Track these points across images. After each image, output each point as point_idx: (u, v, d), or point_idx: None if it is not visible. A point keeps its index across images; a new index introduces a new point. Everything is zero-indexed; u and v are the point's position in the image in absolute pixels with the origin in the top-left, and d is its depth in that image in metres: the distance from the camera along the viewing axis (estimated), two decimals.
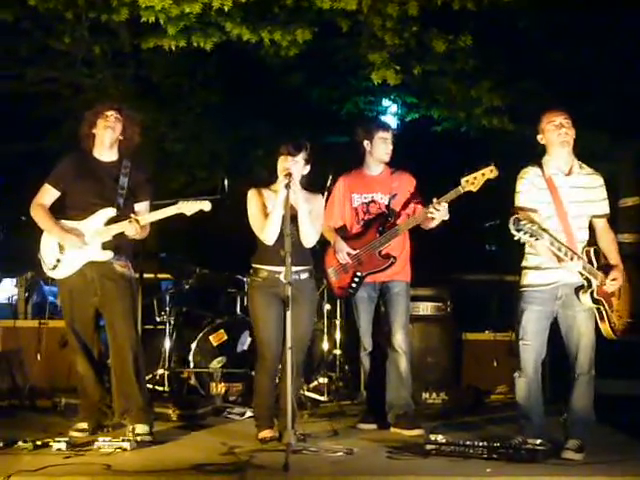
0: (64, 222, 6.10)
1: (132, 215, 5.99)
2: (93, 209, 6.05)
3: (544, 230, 5.41)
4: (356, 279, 6.57)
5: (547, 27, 8.87)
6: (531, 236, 5.31)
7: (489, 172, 6.15)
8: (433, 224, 6.41)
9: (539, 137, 5.79)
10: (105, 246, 6.05)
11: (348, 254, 6.55)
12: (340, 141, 11.45)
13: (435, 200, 6.23)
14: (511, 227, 5.30)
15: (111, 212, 6.04)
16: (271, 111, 10.86)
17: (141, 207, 6.19)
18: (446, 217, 6.29)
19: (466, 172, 6.19)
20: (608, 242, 5.82)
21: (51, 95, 10.50)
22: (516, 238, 5.33)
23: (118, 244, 6.08)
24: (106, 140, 6.16)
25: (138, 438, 5.83)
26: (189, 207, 6.02)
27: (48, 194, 6.18)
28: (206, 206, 6.05)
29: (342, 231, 6.70)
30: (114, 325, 6.10)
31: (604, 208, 5.83)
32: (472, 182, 6.16)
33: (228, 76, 10.85)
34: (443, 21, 8.36)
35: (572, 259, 5.50)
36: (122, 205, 6.06)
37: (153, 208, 6.22)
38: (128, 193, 6.12)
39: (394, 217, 6.59)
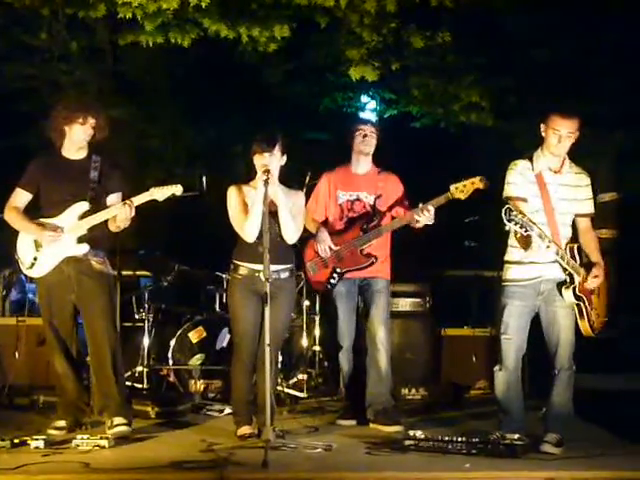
0: (39, 220, 6.09)
1: (127, 201, 5.96)
2: (66, 205, 6.03)
3: (533, 223, 5.42)
4: (335, 275, 6.56)
5: (527, 23, 8.90)
6: (521, 227, 5.32)
7: (478, 182, 6.16)
8: (418, 225, 6.43)
9: (542, 126, 5.72)
10: (80, 240, 6.03)
11: (330, 248, 6.55)
12: (319, 137, 11.46)
13: (421, 205, 6.25)
14: (503, 217, 5.30)
15: (85, 206, 6.02)
16: (250, 107, 10.84)
17: (112, 199, 6.15)
18: (431, 222, 6.32)
19: (454, 180, 6.22)
20: (589, 240, 5.82)
21: (29, 92, 10.44)
22: (507, 228, 5.36)
23: (93, 238, 6.05)
24: (80, 143, 6.14)
25: (116, 429, 5.85)
26: (161, 192, 6.00)
27: (20, 197, 6.19)
28: (178, 190, 6.02)
29: (325, 226, 6.70)
30: (92, 322, 6.08)
31: (589, 207, 5.84)
32: (461, 190, 6.19)
33: (207, 72, 10.83)
34: (421, 17, 8.37)
35: (557, 253, 5.52)
36: (95, 197, 6.05)
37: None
38: (99, 186, 6.10)
39: (379, 217, 6.59)
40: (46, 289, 6.14)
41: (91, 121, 6.09)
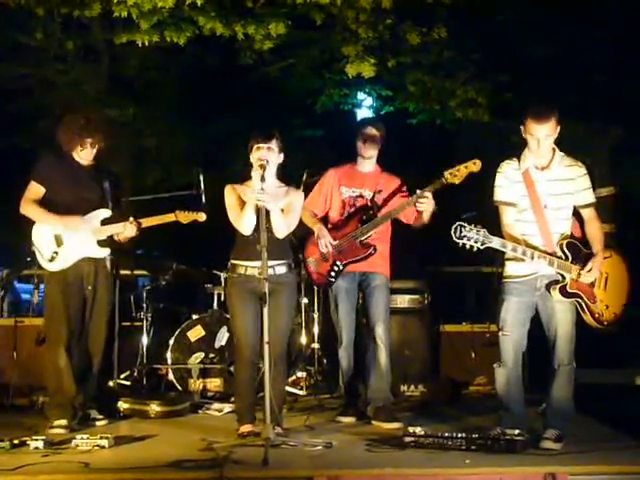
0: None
1: (131, 218, 6.26)
2: (86, 208, 6.23)
3: (518, 238, 5.41)
4: (336, 267, 6.56)
5: (523, 19, 8.91)
6: (475, 242, 5.29)
7: (472, 165, 6.18)
8: (424, 218, 6.42)
9: (522, 129, 5.68)
10: (101, 244, 6.28)
11: (330, 243, 6.55)
12: (315, 135, 11.45)
13: (418, 192, 6.26)
14: (453, 235, 5.30)
15: (107, 213, 6.29)
16: (246, 105, 10.84)
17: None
18: (432, 208, 6.32)
19: (449, 165, 6.22)
20: (592, 231, 5.76)
21: (24, 92, 10.43)
22: (460, 246, 5.32)
23: (110, 241, 6.34)
24: (87, 158, 6.36)
25: (97, 423, 6.21)
26: (185, 216, 6.44)
27: (36, 190, 6.28)
28: (201, 218, 6.46)
29: (325, 221, 6.72)
30: (94, 318, 6.30)
31: (586, 198, 5.77)
32: (455, 174, 6.20)
33: (204, 70, 10.82)
34: (417, 13, 8.36)
35: (533, 258, 5.50)
36: (112, 208, 6.34)
37: (134, 204, 6.39)
38: (112, 198, 6.37)
39: (376, 210, 6.60)
40: (63, 283, 6.24)
41: (98, 143, 6.32)
